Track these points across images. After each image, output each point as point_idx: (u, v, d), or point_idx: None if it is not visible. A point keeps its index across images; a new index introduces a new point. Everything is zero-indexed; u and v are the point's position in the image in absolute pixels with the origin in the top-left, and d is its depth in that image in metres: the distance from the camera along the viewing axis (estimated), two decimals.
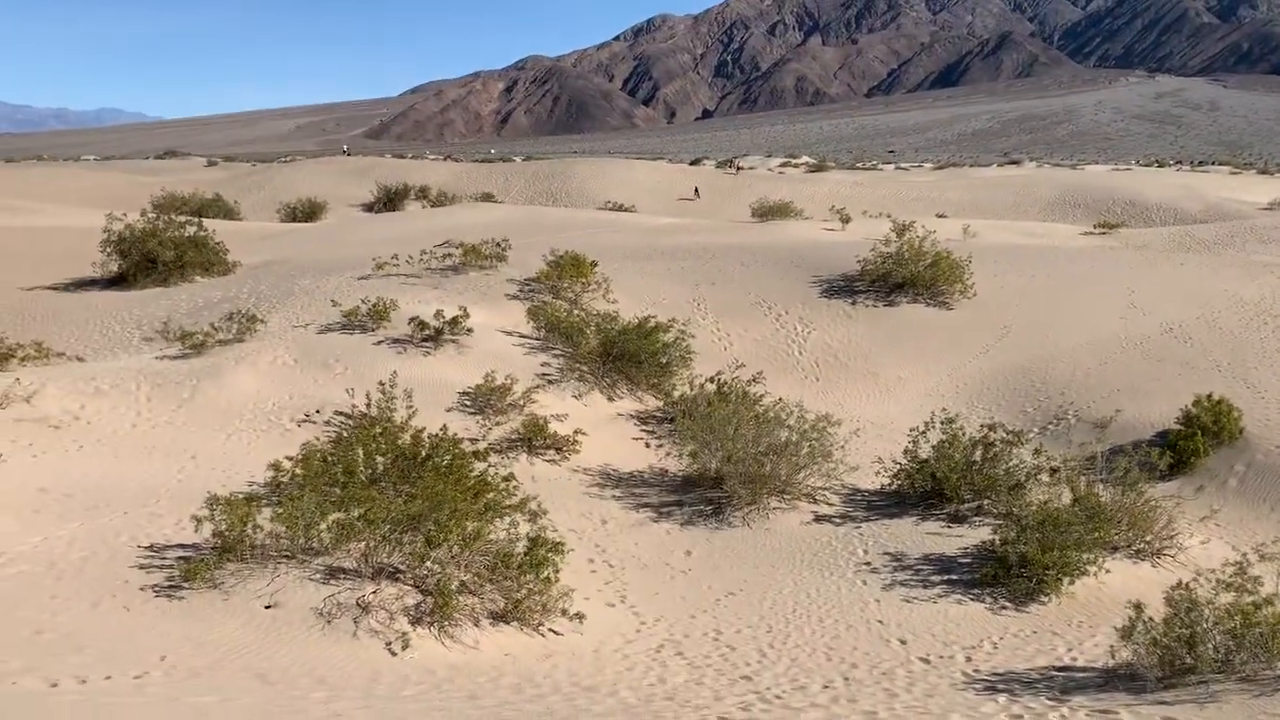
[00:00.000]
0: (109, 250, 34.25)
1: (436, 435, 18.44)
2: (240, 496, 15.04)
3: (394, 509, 15.07)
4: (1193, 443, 19.90)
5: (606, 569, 18.12)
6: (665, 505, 20.85)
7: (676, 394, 25.32)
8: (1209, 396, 21.15)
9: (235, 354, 25.25)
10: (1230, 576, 13.12)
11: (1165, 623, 12.85)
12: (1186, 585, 13.29)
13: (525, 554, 15.15)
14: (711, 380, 24.09)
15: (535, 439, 22.20)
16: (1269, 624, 12.13)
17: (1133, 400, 24.34)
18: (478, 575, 14.88)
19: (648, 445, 23.94)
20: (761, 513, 20.05)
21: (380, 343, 26.70)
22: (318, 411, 22.59)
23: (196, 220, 38.66)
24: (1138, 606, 13.19)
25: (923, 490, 19.82)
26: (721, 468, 20.48)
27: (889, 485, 20.52)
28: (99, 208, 46.66)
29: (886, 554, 18.42)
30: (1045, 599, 16.28)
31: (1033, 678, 13.91)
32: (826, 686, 13.61)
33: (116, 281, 34.75)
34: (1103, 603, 16.12)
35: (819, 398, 27.64)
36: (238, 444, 21.07)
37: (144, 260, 34.30)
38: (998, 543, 17.04)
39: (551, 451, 22.34)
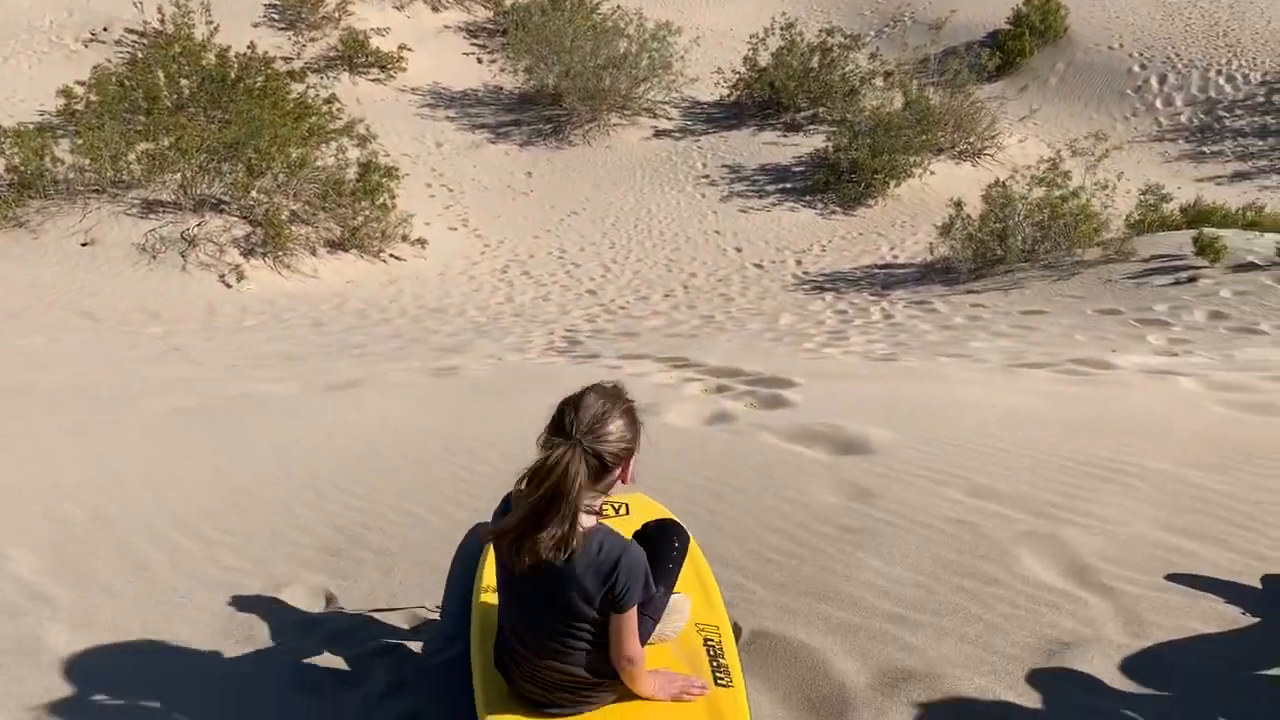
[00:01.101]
0: None
1: (245, 55, 16.88)
2: (31, 128, 13.66)
3: (208, 137, 14.03)
4: (1020, 42, 20.27)
5: (445, 193, 17.78)
6: (502, 125, 20.19)
7: (508, 3, 23.66)
8: None
9: None
10: (1043, 173, 13.91)
11: (981, 219, 13.72)
12: (1003, 183, 14.06)
13: (358, 180, 14.61)
14: None
15: (356, 56, 20.67)
16: (1073, 215, 13.11)
17: (967, 1, 24.27)
18: (309, 204, 14.34)
19: (480, 61, 22.68)
20: (602, 130, 19.70)
21: None
22: (105, 29, 20.19)
23: None
24: (958, 205, 13.94)
25: (761, 100, 19.77)
26: (559, 83, 19.73)
27: (728, 96, 20.34)
28: None
29: (724, 166, 18.63)
30: (872, 202, 16.99)
31: (858, 276, 14.88)
32: (668, 295, 14.22)
33: None
34: (925, 203, 16.99)
35: (658, 4, 26.42)
36: (17, 69, 18.82)
37: None
38: (830, 150, 17.41)
39: (375, 70, 20.93)
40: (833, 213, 17.15)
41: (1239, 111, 18.39)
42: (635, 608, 2.29)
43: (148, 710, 2.47)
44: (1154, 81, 19.40)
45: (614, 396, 2.25)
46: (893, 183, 16.79)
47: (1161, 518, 3.53)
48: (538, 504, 2.14)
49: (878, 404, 5.09)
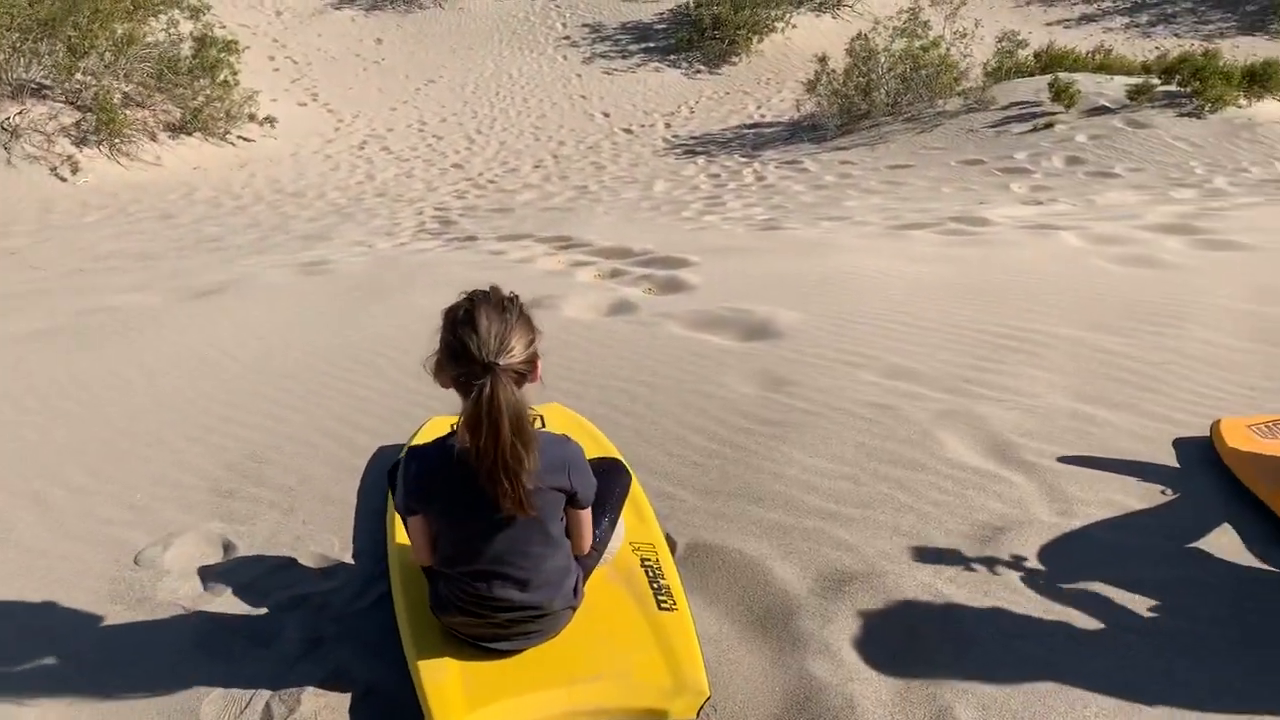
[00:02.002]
0: None
1: None
2: None
3: (18, 14, 12.58)
4: None
5: (291, 66, 16.59)
6: None
7: None
8: None
9: None
10: (904, 23, 13.83)
11: (845, 73, 13.62)
12: (865, 36, 13.93)
13: (194, 57, 13.44)
14: None
15: None
16: (934, 66, 13.14)
17: None
18: (143, 85, 13.14)
19: None
20: None
21: None
22: None
23: None
24: (822, 59, 13.79)
25: None
26: None
27: None
28: None
29: (585, 26, 17.91)
30: (736, 60, 16.69)
31: (727, 137, 14.68)
32: (538, 166, 13.75)
33: None
34: (789, 59, 16.79)
35: None
36: None
37: None
38: (692, 5, 16.90)
39: None
40: (698, 72, 16.78)
41: None
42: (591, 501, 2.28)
43: (29, 691, 2.22)
44: None
45: (503, 305, 2.08)
46: (756, 38, 16.48)
47: (1073, 386, 3.57)
48: (500, 443, 2.01)
49: (779, 281, 4.98)
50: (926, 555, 2.69)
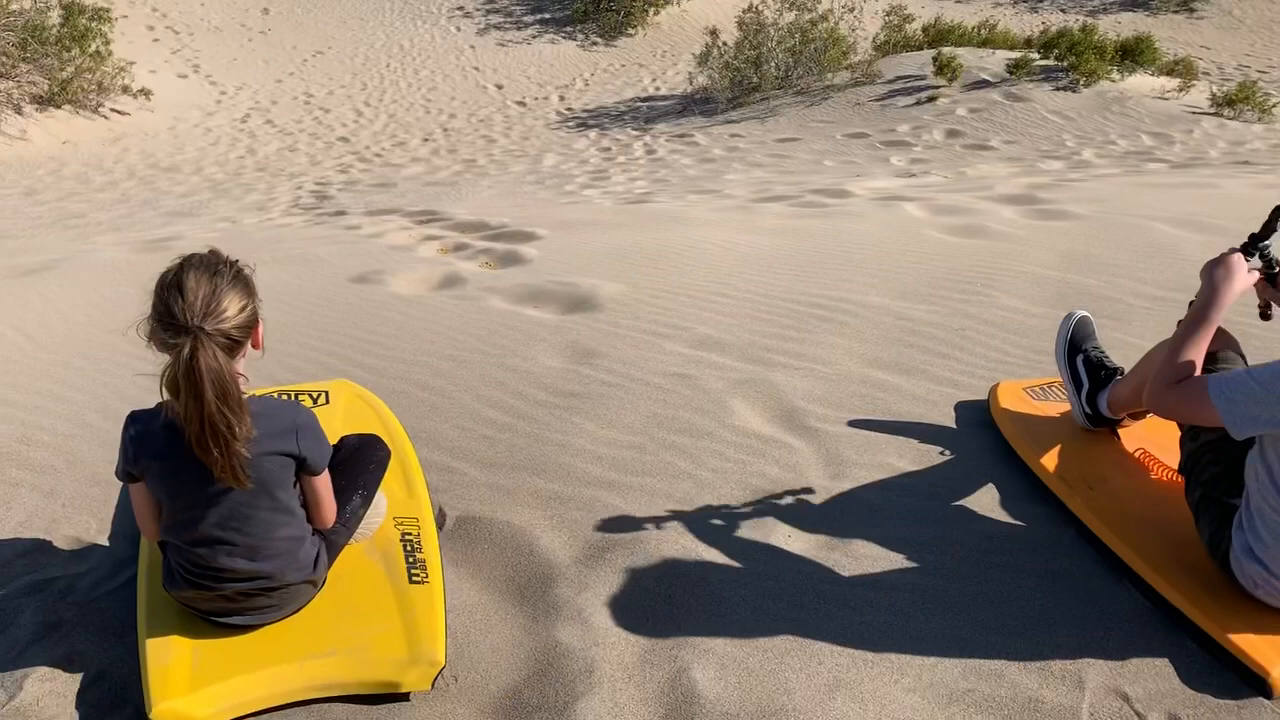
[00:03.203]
0: None
1: None
2: None
3: None
4: None
5: (171, 36, 16.05)
6: None
7: None
8: None
9: None
10: None
11: (736, 46, 13.67)
12: (756, 9, 13.98)
13: (62, 25, 12.91)
14: None
15: None
16: (822, 39, 13.26)
17: None
18: (6, 55, 12.58)
19: None
20: None
21: None
22: None
23: None
24: (713, 32, 13.81)
25: None
26: None
27: None
28: None
29: None
30: (633, 32, 16.63)
31: (621, 110, 14.64)
32: (427, 139, 13.55)
33: None
34: (684, 31, 16.78)
35: None
36: None
37: None
38: None
39: None
40: (594, 44, 16.68)
41: None
42: (326, 469, 2.25)
43: None
44: None
45: (215, 267, 2.04)
46: (652, 10, 16.44)
47: (869, 353, 3.64)
48: (204, 410, 1.97)
49: (615, 255, 4.99)
50: (694, 521, 2.73)
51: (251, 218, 8.89)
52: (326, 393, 3.14)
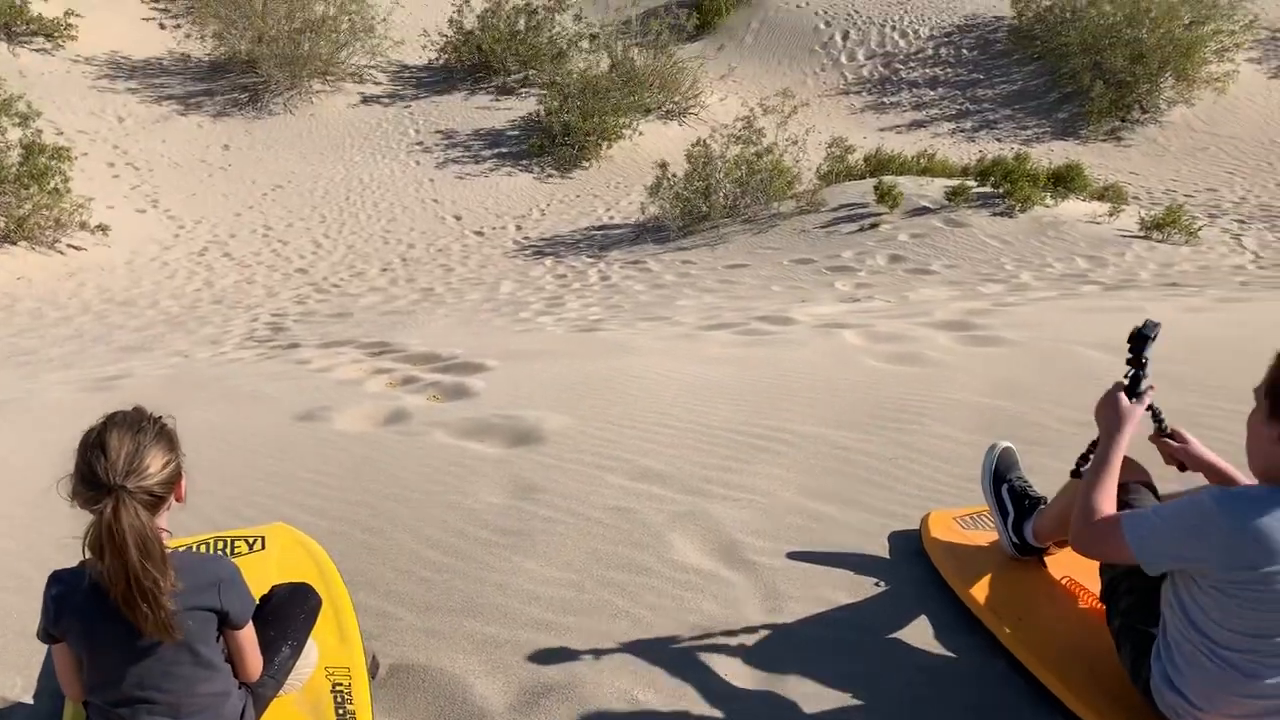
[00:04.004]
0: None
1: None
2: None
3: None
4: (716, 2, 20.99)
5: (131, 172, 16.29)
6: (193, 96, 18.69)
7: None
8: None
9: None
10: (739, 131, 14.47)
11: (686, 178, 14.13)
12: (704, 142, 14.51)
13: (21, 165, 13.08)
14: None
15: (14, 24, 18.45)
16: (767, 171, 13.75)
17: None
18: None
19: (163, 27, 20.82)
20: (304, 97, 18.65)
21: None
22: None
23: None
24: (663, 165, 14.28)
25: (471, 64, 19.37)
26: (253, 50, 18.46)
27: (437, 60, 19.79)
28: None
29: (438, 132, 18.16)
30: (587, 164, 17.12)
31: (577, 239, 14.96)
32: (385, 269, 13.72)
33: None
34: (637, 163, 17.30)
35: None
36: None
37: None
38: (543, 113, 17.35)
39: (40, 39, 18.78)
40: (550, 176, 17.14)
41: (913, 64, 19.91)
42: (250, 622, 2.25)
43: None
44: (838, 38, 20.63)
45: (138, 425, 2.10)
46: (605, 144, 16.98)
47: (806, 484, 3.71)
48: (128, 568, 1.99)
49: (562, 386, 5.07)
50: (630, 662, 2.73)
51: (204, 352, 8.90)
52: (263, 538, 3.13)
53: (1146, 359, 2.47)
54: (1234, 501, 2.15)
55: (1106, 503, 2.36)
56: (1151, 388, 2.51)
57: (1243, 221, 14.00)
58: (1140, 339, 2.47)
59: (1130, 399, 2.49)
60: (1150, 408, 2.54)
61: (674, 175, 14.09)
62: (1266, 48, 19.38)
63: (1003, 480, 3.12)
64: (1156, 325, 2.47)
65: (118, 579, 2.00)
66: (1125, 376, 2.50)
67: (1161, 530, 2.20)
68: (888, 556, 3.23)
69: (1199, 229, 12.44)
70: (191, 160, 16.94)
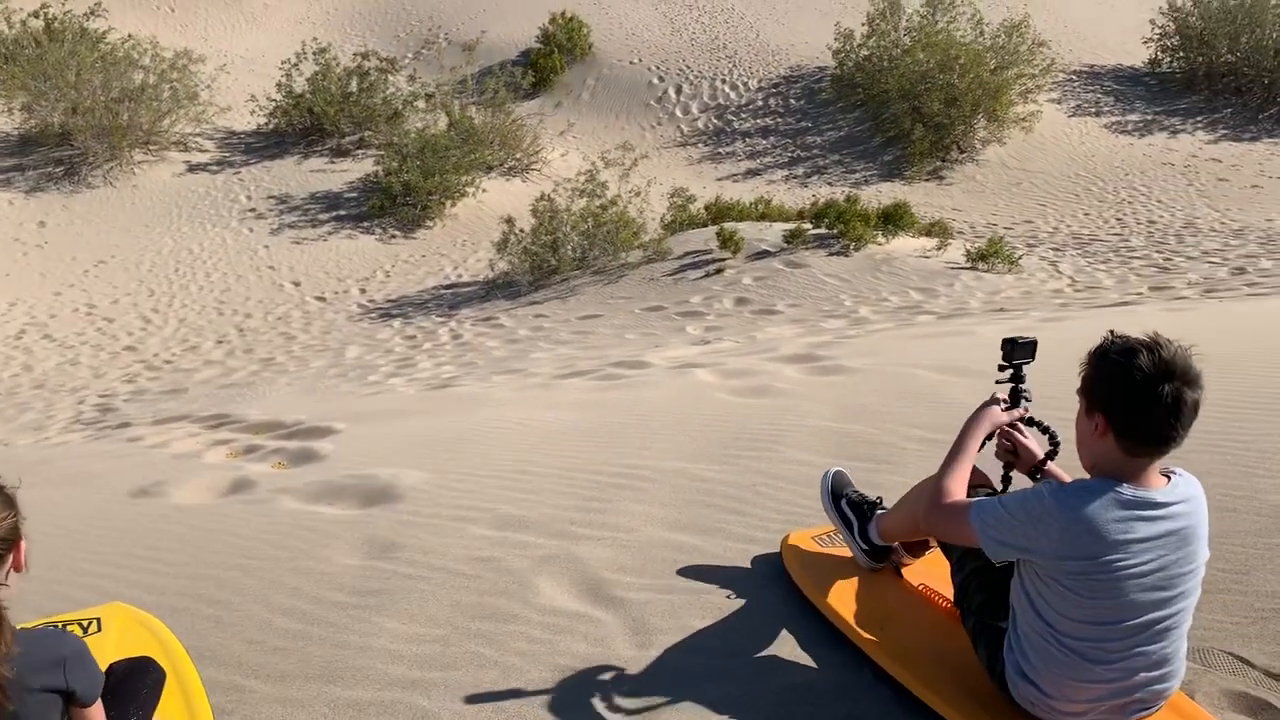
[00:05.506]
0: None
1: None
2: None
3: None
4: (551, 60, 21.29)
5: None
6: (2, 172, 17.65)
7: None
8: (562, 14, 22.44)
9: None
10: (583, 184, 14.65)
11: (533, 232, 14.17)
12: (548, 196, 14.61)
13: None
14: (36, 14, 19.92)
15: None
16: (613, 222, 13.94)
17: (496, 21, 25.05)
18: None
19: None
20: (125, 168, 17.86)
21: None
22: None
23: None
24: (509, 221, 14.28)
25: (303, 127, 18.99)
26: (67, 121, 17.60)
27: (266, 125, 19.32)
28: None
29: (271, 197, 17.68)
30: (431, 224, 16.97)
31: (425, 299, 14.75)
32: (221, 341, 13.16)
33: None
34: (483, 220, 17.26)
35: (176, 32, 24.46)
36: None
37: None
38: (381, 174, 17.14)
39: None
40: (393, 237, 16.89)
41: (744, 115, 20.65)
42: (99, 700, 2.09)
43: None
44: (672, 92, 21.23)
45: None
46: (448, 203, 16.89)
47: (669, 517, 3.72)
48: None
49: (416, 442, 4.95)
50: (502, 710, 2.65)
51: (25, 438, 8.32)
52: (98, 619, 2.91)
53: (1019, 364, 2.67)
54: (1067, 493, 2.27)
55: (958, 487, 2.50)
56: (1028, 398, 2.70)
57: (1058, 249, 15.02)
58: (1011, 345, 2.66)
59: (1012, 407, 2.69)
60: (1045, 429, 2.72)
61: (521, 230, 14.12)
62: (1064, 89, 21.00)
63: (840, 497, 3.21)
64: (1031, 340, 2.66)
65: None
66: (999, 383, 2.70)
67: (1004, 518, 2.31)
68: (752, 580, 3.26)
69: (1019, 258, 13.25)
70: (3, 239, 15.95)
